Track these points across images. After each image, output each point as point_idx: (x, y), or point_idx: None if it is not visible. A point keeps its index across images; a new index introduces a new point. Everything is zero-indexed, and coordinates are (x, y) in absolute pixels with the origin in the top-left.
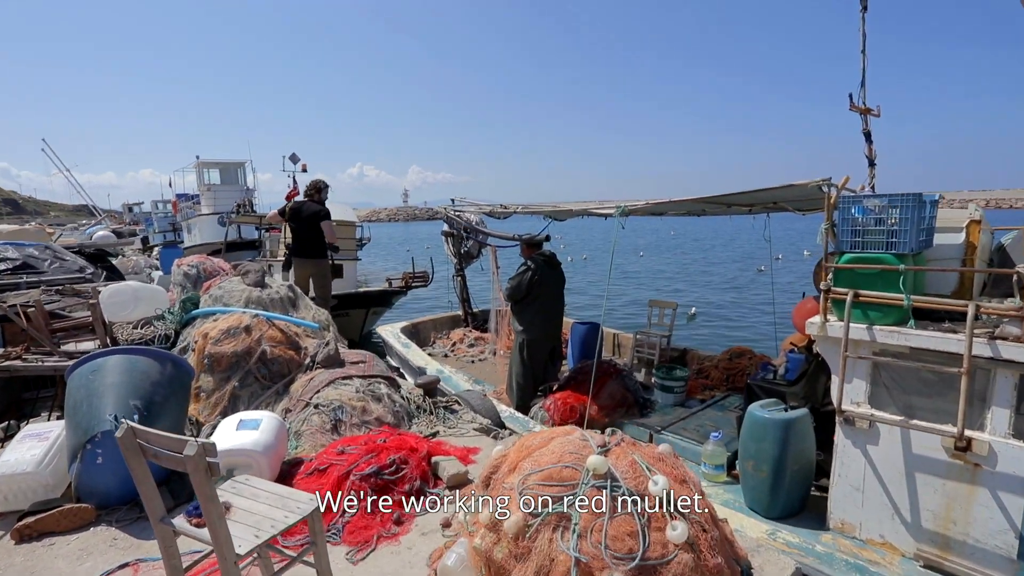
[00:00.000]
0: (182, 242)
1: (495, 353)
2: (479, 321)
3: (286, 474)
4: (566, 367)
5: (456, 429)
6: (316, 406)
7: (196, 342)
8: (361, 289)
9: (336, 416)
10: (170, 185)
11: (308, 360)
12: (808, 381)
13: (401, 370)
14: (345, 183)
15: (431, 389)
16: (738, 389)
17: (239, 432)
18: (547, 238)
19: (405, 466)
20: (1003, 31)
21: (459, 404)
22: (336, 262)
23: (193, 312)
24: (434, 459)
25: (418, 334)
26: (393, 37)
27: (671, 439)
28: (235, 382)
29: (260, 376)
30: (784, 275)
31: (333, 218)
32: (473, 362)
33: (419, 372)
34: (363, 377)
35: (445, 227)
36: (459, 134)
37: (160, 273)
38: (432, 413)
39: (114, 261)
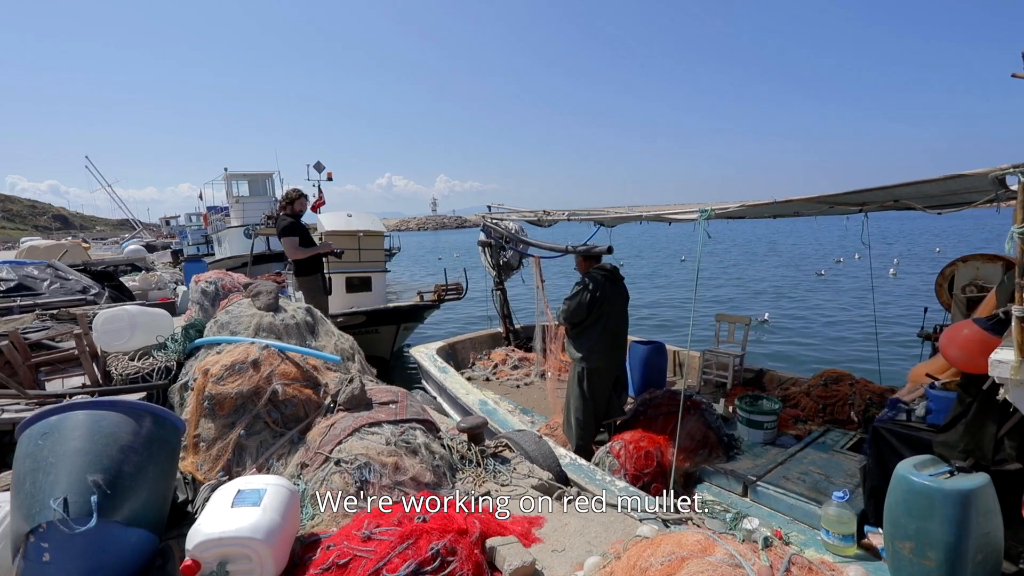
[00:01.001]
0: (207, 255)
1: (542, 376)
2: (522, 339)
3: (297, 561)
4: (629, 397)
5: (510, 485)
6: (338, 462)
7: (195, 379)
8: (391, 304)
9: (362, 475)
10: (200, 197)
11: (328, 400)
12: (968, 429)
13: (438, 398)
14: (374, 193)
15: (478, 434)
16: (839, 423)
17: (235, 510)
18: (609, 249)
19: (453, 558)
20: None
21: (510, 449)
22: (362, 275)
23: (196, 341)
24: (489, 543)
25: (455, 355)
26: (420, 45)
27: (773, 492)
28: (241, 429)
29: (271, 421)
30: (844, 280)
31: (361, 228)
32: (518, 387)
33: (458, 405)
34: (395, 423)
35: (482, 236)
36: (487, 143)
37: (184, 288)
38: (479, 464)
39: (139, 277)
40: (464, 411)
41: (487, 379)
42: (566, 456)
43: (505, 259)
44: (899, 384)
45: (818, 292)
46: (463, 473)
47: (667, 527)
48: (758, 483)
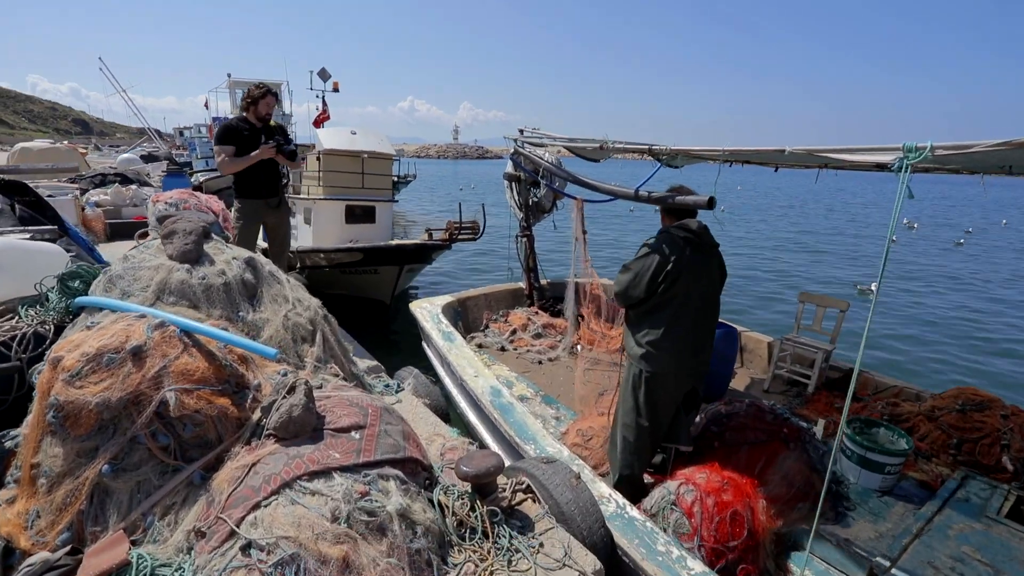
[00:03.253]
0: (190, 169)
1: (571, 350)
2: (548, 299)
3: None
4: None
5: (531, 574)
6: (247, 547)
7: (38, 376)
8: (394, 241)
9: None
10: (206, 106)
11: (258, 415)
12: None
13: (440, 372)
14: (396, 116)
15: (487, 485)
16: (980, 468)
17: None
18: (710, 202)
19: None
20: None
21: (534, 497)
22: (365, 204)
23: (80, 300)
24: None
25: (466, 314)
26: None
27: None
28: (104, 461)
29: (157, 449)
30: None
31: (366, 149)
32: (540, 362)
33: (464, 390)
34: (355, 469)
35: (509, 168)
36: (513, 73)
37: None
38: (487, 535)
39: (111, 190)
40: (470, 400)
41: (502, 348)
42: (611, 502)
43: (536, 198)
44: None
45: (951, 265)
46: (461, 552)
47: None
48: (893, 570)
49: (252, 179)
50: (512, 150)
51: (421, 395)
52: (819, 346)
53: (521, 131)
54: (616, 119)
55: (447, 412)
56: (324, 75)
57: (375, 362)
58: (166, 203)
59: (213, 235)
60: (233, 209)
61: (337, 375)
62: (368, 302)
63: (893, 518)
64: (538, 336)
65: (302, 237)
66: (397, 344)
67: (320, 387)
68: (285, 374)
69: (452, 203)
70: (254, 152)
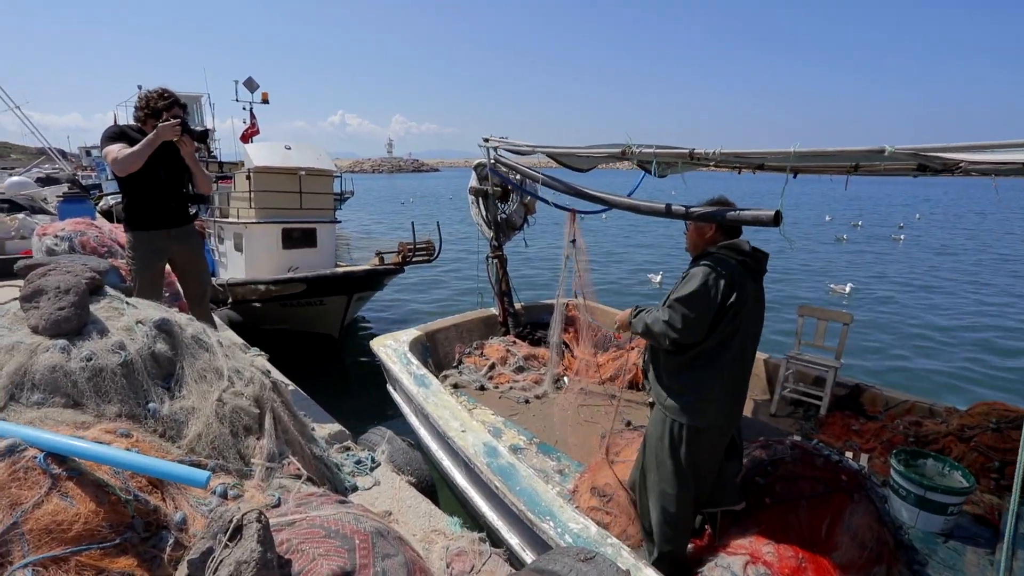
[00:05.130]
0: (99, 191)
1: (558, 383)
2: (525, 325)
3: None
4: None
5: None
6: None
7: None
8: (341, 268)
9: None
10: (115, 123)
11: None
12: None
13: (411, 420)
14: (327, 131)
15: None
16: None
17: None
18: (776, 217)
19: None
20: None
21: None
22: (304, 226)
23: None
24: None
25: (436, 348)
26: None
27: None
28: None
29: None
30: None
31: (303, 165)
32: (527, 401)
33: (447, 445)
34: None
35: (474, 181)
36: (445, 84)
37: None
38: None
39: (20, 216)
40: (456, 459)
41: (481, 387)
42: None
43: (505, 214)
44: None
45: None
46: None
47: None
48: None
49: (147, 200)
50: (476, 162)
51: (401, 468)
52: (827, 363)
53: (486, 139)
54: (554, 127)
55: (434, 485)
56: (252, 85)
57: (337, 426)
58: (56, 236)
59: (108, 289)
60: (126, 247)
61: (299, 472)
62: (313, 337)
63: (971, 569)
64: (520, 370)
65: (233, 267)
66: (352, 385)
67: (277, 504)
68: (224, 495)
69: (394, 219)
70: (149, 136)
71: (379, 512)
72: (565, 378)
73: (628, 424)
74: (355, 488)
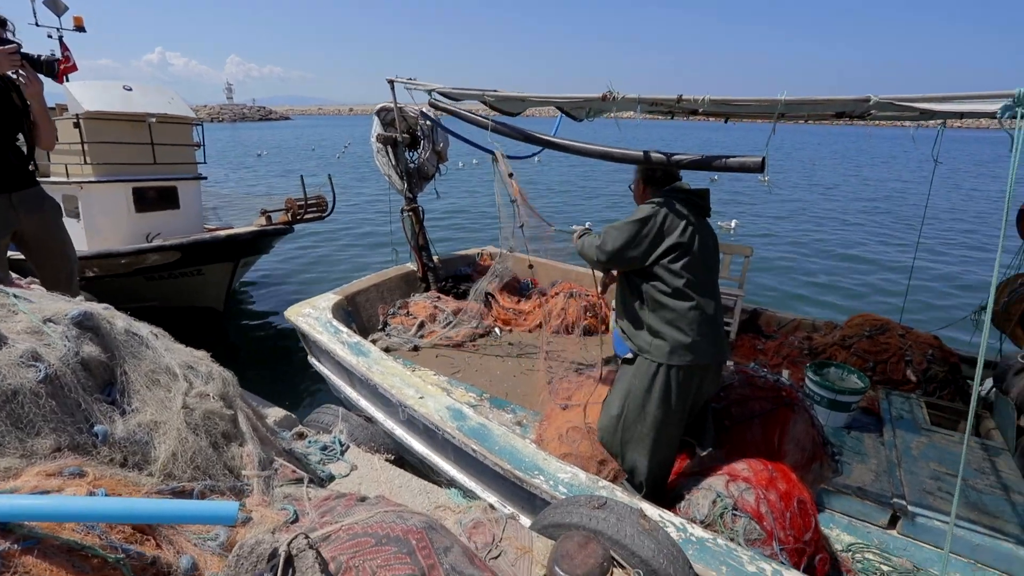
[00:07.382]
0: None
1: (487, 333)
2: (446, 279)
3: None
4: None
5: None
6: None
7: None
8: (223, 232)
9: None
10: None
11: None
12: None
13: (348, 393)
14: (143, 71)
15: None
16: (894, 383)
17: None
18: (761, 164)
19: None
20: None
21: (618, 564)
22: (160, 184)
23: None
24: None
25: (358, 311)
26: None
27: (938, 524)
28: None
29: None
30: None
31: (153, 111)
32: (466, 355)
33: (403, 411)
34: None
35: (378, 128)
36: (288, 20)
37: None
38: None
39: None
40: (418, 429)
41: (415, 348)
42: (667, 525)
43: (415, 163)
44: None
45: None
46: None
47: None
48: (910, 508)
49: None
50: (377, 107)
51: (368, 447)
52: (733, 293)
53: (391, 81)
54: (437, 70)
55: (403, 458)
56: (59, 6)
57: (281, 411)
58: None
59: None
60: None
61: (297, 476)
62: (190, 312)
63: (872, 452)
64: (450, 325)
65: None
66: (250, 364)
67: (295, 519)
68: (245, 522)
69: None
70: None
71: (395, 503)
72: (496, 329)
73: (577, 369)
74: (332, 478)
